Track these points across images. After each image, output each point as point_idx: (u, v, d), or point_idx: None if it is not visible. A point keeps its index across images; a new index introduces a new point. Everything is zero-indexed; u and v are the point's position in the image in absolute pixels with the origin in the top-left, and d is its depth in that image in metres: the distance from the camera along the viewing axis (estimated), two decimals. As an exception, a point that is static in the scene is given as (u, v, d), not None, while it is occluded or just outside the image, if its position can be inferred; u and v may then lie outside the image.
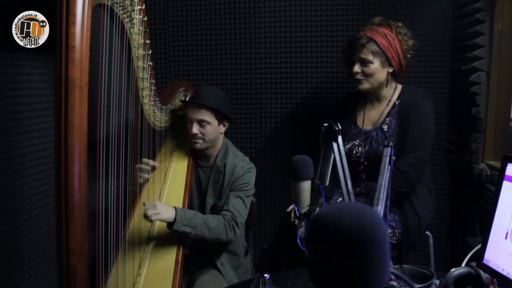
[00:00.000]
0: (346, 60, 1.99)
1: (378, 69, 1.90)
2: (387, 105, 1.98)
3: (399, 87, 2.01)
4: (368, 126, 2.01)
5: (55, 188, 1.09)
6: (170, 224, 1.75)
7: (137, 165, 1.83)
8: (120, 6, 1.42)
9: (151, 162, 1.89)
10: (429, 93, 2.09)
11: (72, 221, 1.08)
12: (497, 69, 2.10)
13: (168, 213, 1.74)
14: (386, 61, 1.90)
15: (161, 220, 1.75)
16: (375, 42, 1.87)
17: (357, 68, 1.90)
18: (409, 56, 1.97)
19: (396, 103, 1.97)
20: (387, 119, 1.97)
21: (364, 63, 1.89)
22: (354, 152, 1.98)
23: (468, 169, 2.20)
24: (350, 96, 2.16)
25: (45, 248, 1.69)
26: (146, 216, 1.71)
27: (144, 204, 1.73)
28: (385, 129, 1.96)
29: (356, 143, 2.00)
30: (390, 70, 1.93)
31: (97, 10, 1.23)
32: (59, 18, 1.06)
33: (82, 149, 1.09)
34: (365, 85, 1.93)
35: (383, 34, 1.89)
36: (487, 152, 2.17)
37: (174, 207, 1.77)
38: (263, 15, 2.45)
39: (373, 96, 2.01)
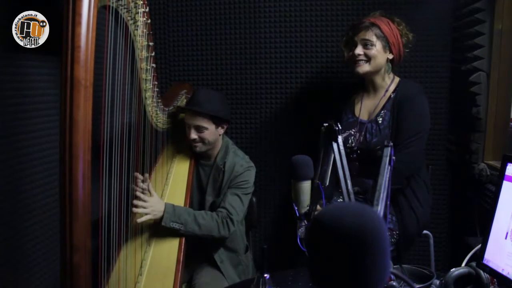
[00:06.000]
0: (347, 43, 1.98)
1: (379, 53, 1.91)
2: (383, 96, 1.98)
3: (397, 79, 2.01)
4: (364, 117, 2.02)
5: (59, 185, 1.10)
6: (159, 220, 1.77)
7: (131, 185, 1.82)
8: (124, 8, 1.43)
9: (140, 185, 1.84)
10: (424, 89, 2.08)
11: (76, 218, 1.09)
12: (497, 69, 2.10)
13: (157, 207, 1.76)
14: (387, 46, 1.92)
15: (148, 214, 1.76)
16: (379, 27, 1.90)
17: (359, 50, 1.91)
18: (407, 50, 1.99)
19: (392, 96, 1.97)
20: (382, 111, 1.97)
21: (367, 45, 1.90)
22: (350, 141, 1.98)
23: (468, 169, 2.20)
24: (349, 85, 2.16)
25: (48, 246, 1.70)
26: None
27: (135, 191, 1.75)
28: (380, 122, 1.96)
29: (352, 132, 2.00)
30: (390, 56, 1.94)
31: (102, 12, 1.24)
32: (65, 19, 1.08)
33: (86, 147, 1.10)
34: (365, 68, 1.92)
35: (386, 22, 1.92)
36: (487, 152, 2.17)
37: (165, 203, 1.79)
38: (263, 15, 2.45)
39: (370, 85, 2.01)
